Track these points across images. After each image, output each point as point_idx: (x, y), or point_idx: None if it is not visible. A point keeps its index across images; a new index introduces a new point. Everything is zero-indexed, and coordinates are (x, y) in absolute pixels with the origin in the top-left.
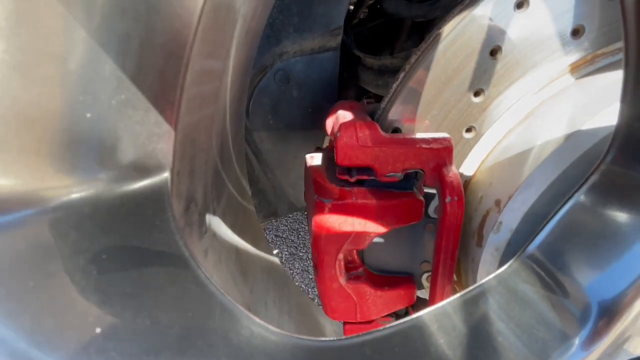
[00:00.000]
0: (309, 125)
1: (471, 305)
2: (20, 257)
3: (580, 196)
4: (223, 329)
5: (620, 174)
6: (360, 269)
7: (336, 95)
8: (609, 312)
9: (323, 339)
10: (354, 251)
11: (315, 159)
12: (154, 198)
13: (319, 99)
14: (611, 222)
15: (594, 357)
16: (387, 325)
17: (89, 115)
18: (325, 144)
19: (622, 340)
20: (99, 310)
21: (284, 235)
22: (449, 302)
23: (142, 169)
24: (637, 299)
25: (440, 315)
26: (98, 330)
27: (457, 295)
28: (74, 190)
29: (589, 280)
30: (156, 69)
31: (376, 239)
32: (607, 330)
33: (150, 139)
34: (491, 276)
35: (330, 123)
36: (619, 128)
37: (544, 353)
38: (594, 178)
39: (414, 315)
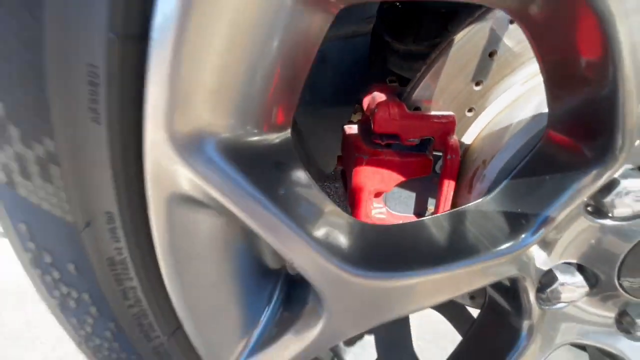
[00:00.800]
0: (341, 102)
1: (455, 217)
2: None
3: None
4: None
5: (553, 144)
6: (384, 209)
7: (366, 74)
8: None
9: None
10: (380, 195)
11: (352, 129)
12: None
13: (350, 78)
14: (545, 171)
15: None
16: (407, 222)
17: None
18: (354, 118)
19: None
20: None
21: None
22: (442, 215)
23: (277, 127)
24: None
25: (436, 220)
26: None
27: (449, 211)
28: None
29: (531, 205)
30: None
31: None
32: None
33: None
34: (471, 204)
35: (367, 101)
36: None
37: (497, 242)
38: (539, 145)
39: (422, 219)
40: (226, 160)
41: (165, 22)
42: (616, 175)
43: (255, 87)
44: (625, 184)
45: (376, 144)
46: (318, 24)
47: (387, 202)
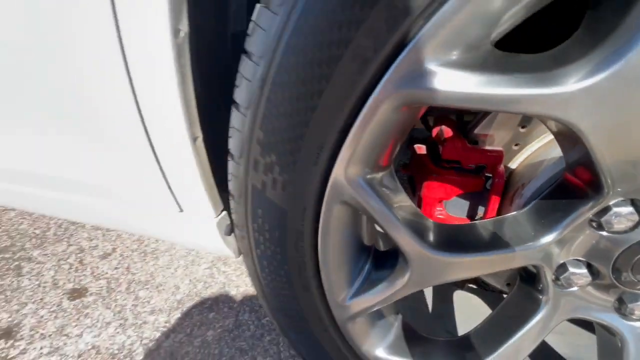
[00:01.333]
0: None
1: (498, 222)
2: None
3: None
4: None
5: (567, 181)
6: (444, 211)
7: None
8: (560, 229)
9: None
10: (442, 202)
11: (422, 149)
12: None
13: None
14: (562, 197)
15: (550, 243)
16: (464, 223)
17: None
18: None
19: None
20: None
21: None
22: (489, 220)
23: (386, 167)
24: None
25: (484, 223)
26: None
27: (494, 218)
28: None
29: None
30: None
31: (454, 198)
32: (557, 234)
33: None
34: (511, 214)
35: (435, 131)
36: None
37: (525, 241)
38: (559, 180)
39: (474, 222)
40: (367, 186)
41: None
42: (610, 204)
43: (378, 152)
44: (615, 210)
45: (443, 166)
46: (412, 114)
47: (446, 207)
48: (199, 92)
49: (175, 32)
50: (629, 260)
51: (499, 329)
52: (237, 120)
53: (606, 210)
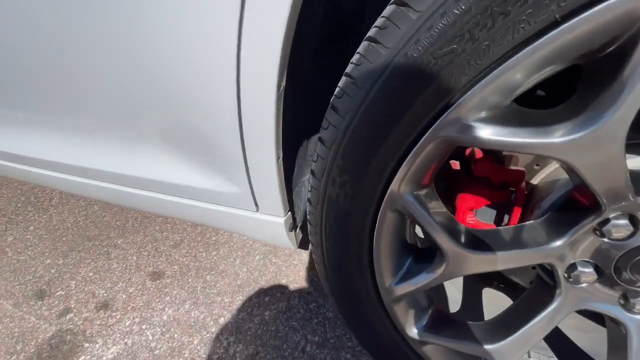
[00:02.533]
0: None
1: (520, 228)
2: None
3: (565, 202)
4: None
5: (575, 198)
6: (474, 218)
7: None
8: (568, 236)
9: None
10: (473, 211)
11: (456, 165)
12: None
13: None
14: (571, 210)
15: (562, 246)
16: (491, 228)
17: None
18: None
19: None
20: None
21: None
22: (512, 226)
23: (427, 185)
24: (576, 235)
25: (507, 228)
26: None
27: (516, 225)
28: None
29: (562, 228)
30: None
31: (483, 207)
32: (566, 239)
33: None
34: (530, 222)
35: (468, 151)
36: None
37: (539, 244)
38: (569, 196)
39: (499, 227)
40: (415, 200)
41: None
42: (609, 217)
43: (423, 174)
44: (613, 222)
45: (475, 181)
46: (449, 149)
47: (477, 214)
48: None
49: (278, 86)
50: (628, 263)
51: (519, 316)
52: (323, 151)
53: (606, 221)
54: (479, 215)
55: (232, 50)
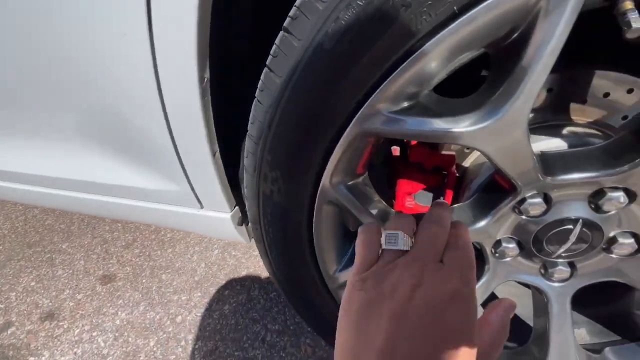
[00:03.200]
0: None
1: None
2: None
3: (488, 184)
4: None
5: (495, 180)
6: (413, 202)
7: None
8: (491, 216)
9: None
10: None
11: (397, 151)
12: None
13: None
14: (493, 191)
15: (486, 226)
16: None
17: None
18: None
19: None
20: None
21: None
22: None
23: (361, 174)
24: (498, 214)
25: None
26: None
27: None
28: None
29: (485, 208)
30: None
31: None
32: (490, 219)
33: None
34: (461, 203)
35: None
36: None
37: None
38: (491, 178)
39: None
40: (348, 191)
41: None
42: (525, 196)
43: (353, 166)
44: (529, 200)
45: (411, 166)
46: (377, 141)
47: (415, 198)
48: (218, 118)
49: (201, 79)
50: (544, 236)
51: None
52: (251, 147)
53: (523, 201)
54: (420, 198)
55: (144, 44)
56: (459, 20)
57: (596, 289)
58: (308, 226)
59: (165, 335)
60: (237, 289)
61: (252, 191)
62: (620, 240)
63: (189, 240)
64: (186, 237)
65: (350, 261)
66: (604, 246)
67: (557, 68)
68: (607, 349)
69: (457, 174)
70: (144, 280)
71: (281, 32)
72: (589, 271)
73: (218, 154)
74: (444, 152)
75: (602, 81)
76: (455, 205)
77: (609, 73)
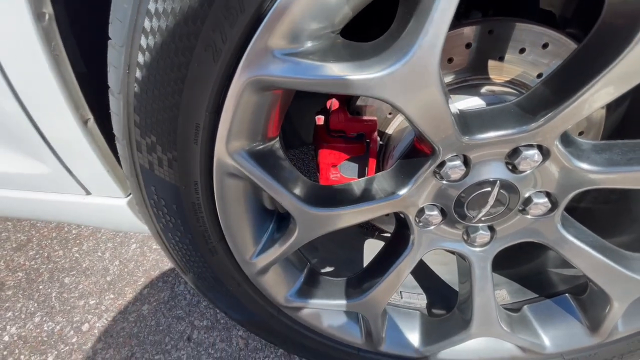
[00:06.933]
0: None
1: (374, 179)
2: None
3: (409, 149)
4: None
5: (416, 145)
6: (338, 174)
7: None
8: (413, 183)
9: None
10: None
11: (321, 120)
12: None
13: None
14: (414, 157)
15: (407, 193)
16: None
17: None
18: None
19: None
20: None
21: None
22: (367, 178)
23: (272, 138)
24: (419, 180)
25: (360, 182)
26: None
27: (371, 176)
28: None
29: (407, 175)
30: None
31: (344, 161)
32: (411, 186)
33: None
34: (384, 171)
35: (329, 102)
36: None
37: (391, 193)
38: (412, 144)
39: (357, 179)
40: (249, 158)
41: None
42: (445, 159)
43: (257, 127)
44: (448, 164)
45: (332, 135)
46: (285, 94)
47: (341, 169)
48: (84, 74)
49: (39, 15)
50: (464, 201)
51: (383, 263)
52: (114, 105)
53: (442, 164)
54: (346, 169)
55: None
56: None
57: (514, 250)
58: (210, 206)
59: (67, 348)
60: (158, 286)
61: (128, 164)
62: (535, 200)
63: (99, 236)
64: (96, 233)
65: (269, 243)
66: (520, 208)
67: (474, 20)
68: (525, 307)
69: (380, 142)
70: (40, 287)
71: None
72: (508, 233)
73: (92, 122)
74: (365, 118)
75: (519, 34)
76: (377, 174)
77: (526, 25)
